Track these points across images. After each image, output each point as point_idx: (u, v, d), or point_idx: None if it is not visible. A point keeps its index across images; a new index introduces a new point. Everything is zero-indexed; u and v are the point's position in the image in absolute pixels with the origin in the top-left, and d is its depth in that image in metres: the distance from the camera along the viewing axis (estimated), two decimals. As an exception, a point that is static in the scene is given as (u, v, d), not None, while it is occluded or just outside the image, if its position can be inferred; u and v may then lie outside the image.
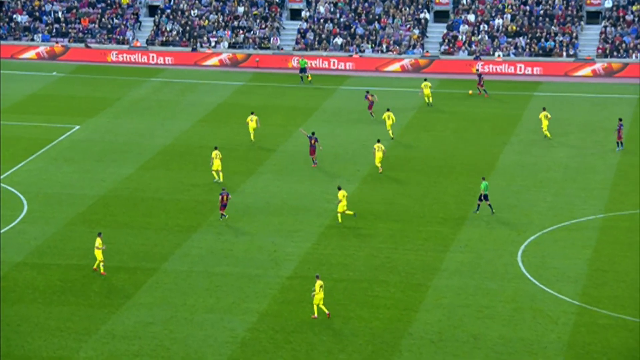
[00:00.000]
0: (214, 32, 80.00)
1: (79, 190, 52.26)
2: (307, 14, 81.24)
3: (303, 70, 72.45)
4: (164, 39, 79.51)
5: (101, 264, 43.39)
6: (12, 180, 53.29)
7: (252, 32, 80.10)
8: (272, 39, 79.41)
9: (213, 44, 79.25)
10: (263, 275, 43.53)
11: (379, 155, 54.60)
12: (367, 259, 45.13)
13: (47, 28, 79.96)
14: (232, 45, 79.30)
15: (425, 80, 67.09)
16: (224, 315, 40.15)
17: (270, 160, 57.13)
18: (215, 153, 53.35)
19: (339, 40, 78.89)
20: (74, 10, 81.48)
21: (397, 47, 78.18)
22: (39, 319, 39.56)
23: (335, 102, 68.32)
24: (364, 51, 78.33)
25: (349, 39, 79.03)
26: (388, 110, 60.82)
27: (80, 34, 79.63)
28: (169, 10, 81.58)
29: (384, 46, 78.22)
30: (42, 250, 45.44)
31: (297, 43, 79.34)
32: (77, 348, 37.66)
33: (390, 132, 60.16)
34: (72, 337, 38.37)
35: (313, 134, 56.41)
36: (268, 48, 79.09)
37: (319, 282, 39.93)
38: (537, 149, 59.07)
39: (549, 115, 60.29)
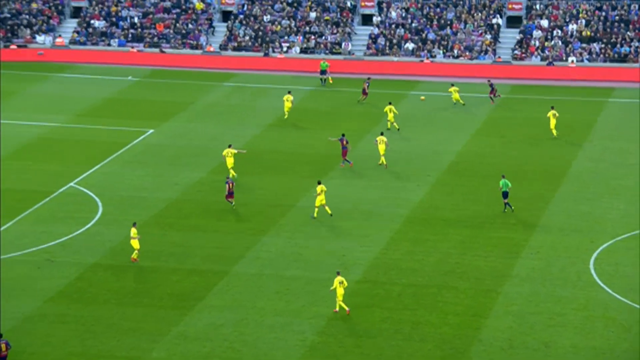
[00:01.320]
0: (286, 38, 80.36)
1: (152, 193, 52.85)
2: (379, 19, 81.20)
3: (324, 72, 72.96)
4: (237, 44, 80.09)
5: (136, 252, 44.16)
6: (88, 183, 54.09)
7: (323, 38, 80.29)
8: (343, 44, 79.52)
9: (285, 49, 79.61)
10: (333, 279, 43.53)
11: (382, 147, 55.34)
12: (437, 264, 44.91)
13: (123, 33, 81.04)
14: (303, 51, 79.58)
15: (452, 85, 66.75)
16: (293, 318, 40.26)
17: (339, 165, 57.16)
18: (226, 151, 53.97)
19: (410, 46, 78.70)
20: (150, 16, 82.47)
21: (469, 53, 77.73)
22: (113, 319, 40.07)
23: (406, 108, 68.11)
24: (435, 56, 78.02)
25: (420, 44, 78.79)
26: (390, 103, 61.62)
27: (155, 39, 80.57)
28: (242, 16, 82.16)
29: (456, 51, 77.82)
30: (116, 252, 46.04)
31: (368, 48, 79.33)
32: (150, 349, 38.07)
33: (395, 124, 61.25)
34: (145, 337, 38.80)
35: (343, 135, 56.42)
36: (339, 53, 79.20)
37: (338, 278, 40.17)
38: (610, 155, 58.26)
39: (557, 114, 60.23)
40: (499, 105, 68.01)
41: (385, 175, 55.17)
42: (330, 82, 72.60)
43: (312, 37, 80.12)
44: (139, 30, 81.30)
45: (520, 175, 55.16)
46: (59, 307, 40.89)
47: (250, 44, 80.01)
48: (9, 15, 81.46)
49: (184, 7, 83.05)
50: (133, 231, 44.72)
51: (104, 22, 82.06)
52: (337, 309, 40.55)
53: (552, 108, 61.44)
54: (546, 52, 76.80)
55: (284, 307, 41.20)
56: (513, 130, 63.36)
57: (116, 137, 61.50)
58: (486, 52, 77.60)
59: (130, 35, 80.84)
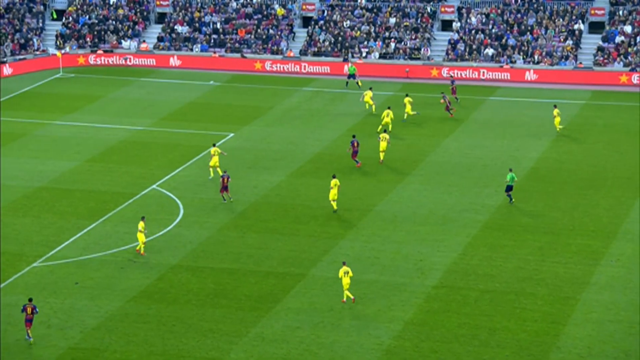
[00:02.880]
0: (365, 43, 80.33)
1: (232, 196, 53.17)
2: (458, 24, 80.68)
3: (352, 76, 73.44)
4: (317, 49, 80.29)
5: (142, 246, 45.08)
6: (170, 185, 54.70)
7: (402, 43, 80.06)
8: (422, 49, 79.19)
9: (364, 54, 79.57)
10: (409, 284, 43.37)
11: (383, 144, 56.33)
12: (515, 270, 44.41)
13: (206, 38, 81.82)
14: (382, 56, 79.45)
15: (407, 95, 66.00)
16: (369, 322, 40.16)
17: (418, 170, 56.93)
18: (214, 150, 54.38)
19: (489, 51, 78.03)
20: (232, 22, 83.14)
21: (549, 58, 76.79)
22: (193, 320, 40.44)
23: (484, 114, 67.55)
24: (515, 62, 77.23)
25: (500, 50, 78.09)
26: (389, 108, 62.91)
27: (237, 44, 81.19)
28: (322, 22, 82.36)
29: (536, 57, 76.95)
30: (197, 254, 46.46)
31: (447, 54, 78.88)
32: (228, 349, 38.33)
33: (389, 126, 61.81)
34: (224, 338, 39.08)
35: (354, 136, 56.85)
36: (418, 58, 78.89)
37: (344, 268, 40.93)
38: (693, 162, 57.04)
39: (560, 112, 61.83)
40: (579, 112, 66.95)
41: (463, 181, 54.77)
42: (359, 85, 72.66)
43: (392, 42, 79.93)
44: (221, 35, 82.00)
45: (600, 182, 54.29)
46: (140, 306, 41.41)
47: (329, 49, 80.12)
48: (96, 21, 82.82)
49: (265, 13, 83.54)
50: (141, 225, 45.31)
51: (187, 27, 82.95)
52: (345, 299, 40.87)
53: (555, 107, 62.26)
54: (629, 58, 75.47)
55: (360, 311, 41.12)
56: (593, 136, 62.40)
57: (197, 140, 62.08)
58: (567, 57, 76.58)
59: (212, 41, 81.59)
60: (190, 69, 78.74)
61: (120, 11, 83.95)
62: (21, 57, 78.28)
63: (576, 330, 39.12)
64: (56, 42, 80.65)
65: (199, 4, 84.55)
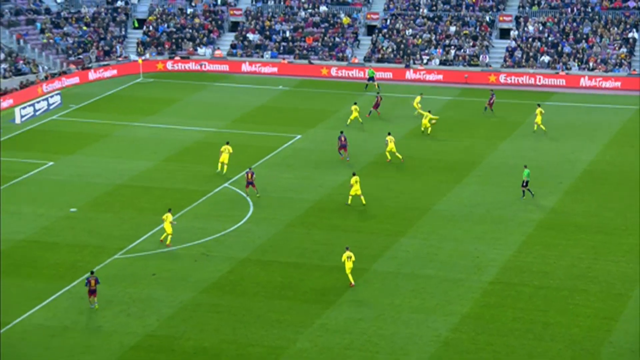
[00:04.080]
0: (426, 50, 79.98)
1: (298, 194, 53.38)
2: (516, 33, 79.94)
3: (371, 79, 73.46)
4: (380, 56, 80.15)
5: (169, 236, 45.58)
6: (241, 184, 55.02)
7: (462, 50, 79.56)
8: (481, 56, 78.62)
9: (425, 61, 79.25)
10: (466, 279, 43.10)
11: (391, 146, 56.61)
12: (568, 268, 43.88)
13: (275, 45, 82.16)
14: (442, 62, 79.04)
15: (355, 103, 64.55)
16: (428, 315, 40.00)
17: (475, 171, 56.53)
18: (224, 147, 54.83)
19: (545, 58, 77.19)
20: (300, 30, 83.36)
21: (604, 65, 75.69)
22: (261, 310, 40.64)
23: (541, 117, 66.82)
24: (570, 69, 76.28)
25: (555, 57, 77.20)
26: (429, 111, 62.71)
27: (305, 51, 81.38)
28: (385, 30, 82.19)
29: (591, 64, 75.91)
30: (265, 249, 46.68)
31: (504, 60, 78.21)
32: (294, 339, 38.44)
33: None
34: (290, 329, 39.21)
35: (342, 132, 58.34)
36: (477, 65, 78.33)
37: (346, 253, 42.15)
38: None
39: (543, 111, 62.11)
40: (632, 117, 65.87)
41: (518, 182, 54.25)
42: (377, 87, 73.02)
43: (451, 49, 79.48)
44: (290, 43, 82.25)
45: (652, 184, 53.38)
46: (212, 297, 41.73)
47: (392, 56, 79.92)
48: (174, 30, 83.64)
49: (331, 21, 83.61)
50: (169, 216, 45.77)
51: (258, 35, 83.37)
52: (353, 282, 41.74)
53: (539, 106, 62.79)
54: (681, 64, 74.15)
55: (419, 304, 40.97)
56: (646, 140, 61.39)
57: (267, 141, 62.37)
58: (621, 64, 75.40)
59: (281, 48, 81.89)
60: (261, 74, 79.07)
61: (197, 20, 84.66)
62: (105, 63, 79.35)
63: (628, 326, 38.52)
64: (137, 49, 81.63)
65: (270, 14, 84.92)
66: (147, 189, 54.15)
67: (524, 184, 51.36)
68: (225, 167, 55.30)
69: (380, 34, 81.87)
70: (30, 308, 40.41)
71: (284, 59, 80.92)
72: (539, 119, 62.85)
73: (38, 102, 68.57)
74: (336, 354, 37.44)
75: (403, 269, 44.24)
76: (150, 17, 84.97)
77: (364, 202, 50.75)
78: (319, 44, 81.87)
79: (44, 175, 56.10)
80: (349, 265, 42.21)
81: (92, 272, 40.82)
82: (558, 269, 43.68)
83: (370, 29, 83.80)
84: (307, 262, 45.00)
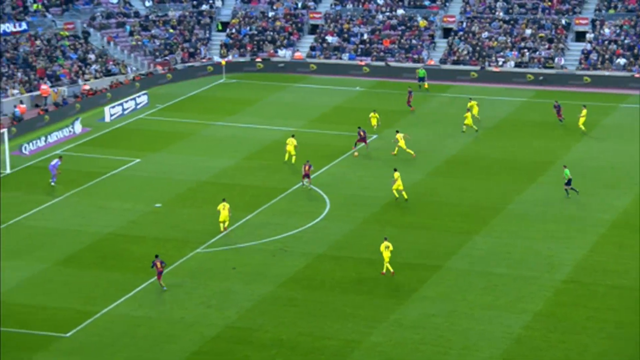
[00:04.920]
0: (502, 52, 79.06)
1: (373, 192, 53.24)
2: (592, 35, 78.52)
3: (422, 79, 73.21)
4: (456, 58, 79.50)
5: (225, 223, 46.86)
6: (319, 182, 55.10)
7: (537, 53, 78.45)
8: (556, 59, 77.40)
9: (500, 63, 78.33)
10: (538, 277, 42.48)
11: (402, 143, 57.06)
12: (641, 268, 42.93)
13: (354, 48, 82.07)
14: (517, 65, 78.03)
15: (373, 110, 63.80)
16: (500, 312, 39.53)
17: (550, 172, 55.67)
18: (289, 140, 56.40)
19: (621, 61, 75.64)
20: (377, 32, 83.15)
21: (679, 67, 73.93)
22: (336, 305, 40.64)
23: (615, 120, 65.54)
24: (645, 70, 74.68)
25: (631, 59, 75.60)
26: (468, 111, 62.32)
27: (382, 53, 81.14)
28: (461, 32, 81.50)
29: (666, 66, 74.23)
30: (340, 245, 46.67)
31: (580, 63, 76.89)
32: (368, 333, 38.35)
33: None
34: (364, 323, 39.13)
35: (359, 127, 58.93)
36: (552, 67, 77.16)
37: (384, 243, 42.44)
38: None
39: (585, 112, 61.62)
40: None
41: (592, 182, 53.32)
42: (426, 87, 72.93)
43: (527, 52, 78.43)
44: (368, 45, 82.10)
45: None
46: (289, 291, 41.87)
47: (468, 58, 79.20)
48: (256, 32, 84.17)
49: (408, 24, 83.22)
50: (225, 205, 46.94)
51: (337, 37, 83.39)
52: (384, 271, 42.16)
53: (584, 107, 62.30)
54: None
55: (492, 301, 40.51)
56: None
57: (343, 141, 62.34)
58: (697, 66, 73.54)
59: (359, 50, 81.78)
60: (339, 76, 79.03)
61: (278, 23, 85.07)
62: (190, 64, 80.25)
63: (701, 327, 37.52)
64: (220, 51, 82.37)
65: (349, 17, 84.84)
66: (228, 186, 54.60)
67: (567, 183, 50.74)
68: (293, 157, 56.41)
69: (456, 37, 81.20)
70: (116, 299, 41.07)
71: (361, 60, 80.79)
72: (582, 120, 61.56)
73: (126, 101, 69.68)
74: (410, 348, 37.24)
75: (476, 267, 43.79)
76: (233, 20, 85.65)
77: (405, 197, 50.99)
78: (396, 46, 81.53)
79: (131, 171, 56.96)
80: (387, 254, 42.64)
81: (157, 256, 41.84)
82: (632, 269, 42.75)
83: (447, 32, 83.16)
84: (381, 258, 44.82)
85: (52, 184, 53.91)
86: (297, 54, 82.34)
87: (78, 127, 64.86)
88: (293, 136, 57.93)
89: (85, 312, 39.84)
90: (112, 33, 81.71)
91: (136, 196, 53.04)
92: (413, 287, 41.97)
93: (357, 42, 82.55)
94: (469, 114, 62.83)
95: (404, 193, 51.19)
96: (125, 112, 69.15)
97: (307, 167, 52.89)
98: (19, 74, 71.40)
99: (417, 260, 44.65)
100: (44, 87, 70.48)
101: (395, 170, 51.74)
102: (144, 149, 61.07)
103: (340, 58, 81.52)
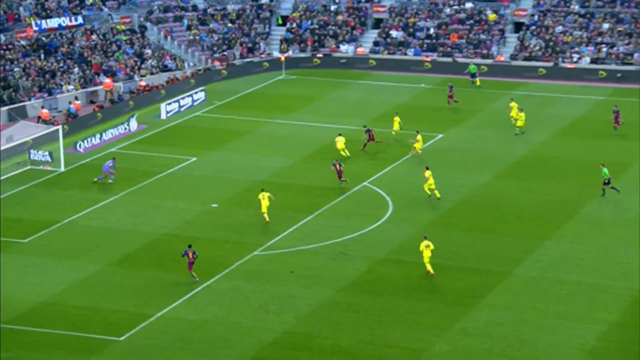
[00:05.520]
0: (577, 48, 78.18)
1: (439, 194, 53.01)
2: (673, 29, 77.31)
3: (473, 75, 72.94)
4: (527, 53, 78.83)
5: (265, 213, 48.60)
6: (380, 183, 55.11)
7: (615, 48, 77.41)
8: (635, 55, 76.28)
9: (575, 59, 77.47)
10: (613, 286, 41.96)
11: (418, 145, 57.80)
12: None
13: (419, 43, 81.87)
14: (593, 61, 77.10)
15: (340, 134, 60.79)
16: (573, 322, 39.13)
17: (626, 174, 54.97)
18: (338, 138, 57.79)
19: None
20: (444, 27, 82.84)
21: None
22: (399, 311, 40.61)
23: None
24: None
25: None
26: (521, 110, 61.53)
27: (449, 49, 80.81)
28: (533, 27, 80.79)
29: None
30: (403, 248, 46.61)
31: (660, 59, 75.75)
32: (433, 342, 38.26)
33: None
34: (428, 331, 39.04)
35: (365, 126, 59.40)
36: (631, 64, 76.05)
37: (424, 242, 42.83)
38: None
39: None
40: None
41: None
42: (478, 84, 72.73)
43: (604, 47, 77.45)
44: (434, 40, 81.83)
45: None
46: (350, 296, 41.95)
47: (540, 54, 78.49)
48: (317, 27, 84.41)
49: (477, 18, 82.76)
50: (266, 195, 48.63)
51: (401, 32, 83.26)
52: (432, 270, 42.84)
53: (512, 100, 63.89)
54: None
55: (563, 310, 40.13)
56: None
57: (407, 140, 62.21)
58: None
59: (425, 45, 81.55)
60: (404, 72, 78.89)
61: (340, 17, 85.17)
62: (248, 60, 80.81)
63: None
64: (280, 46, 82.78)
65: (414, 10, 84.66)
66: (286, 186, 54.87)
67: (606, 182, 50.89)
68: (344, 153, 57.36)
69: (527, 31, 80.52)
70: (172, 302, 41.56)
71: (427, 56, 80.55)
72: (514, 112, 62.40)
73: (183, 98, 70.43)
74: (476, 358, 37.07)
75: (547, 274, 43.42)
76: (294, 14, 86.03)
77: (438, 195, 51.48)
78: (464, 41, 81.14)
79: (187, 170, 57.56)
80: (427, 254, 43.00)
81: (189, 246, 43.08)
82: None
83: (518, 26, 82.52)
84: (446, 263, 44.70)
85: (110, 181, 54.77)
86: (359, 50, 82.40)
87: (133, 125, 65.77)
88: (340, 135, 58.69)
89: (140, 315, 40.38)
90: (169, 27, 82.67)
91: (192, 196, 53.60)
92: (480, 294, 41.76)
93: (422, 37, 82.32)
94: (522, 115, 61.87)
95: (436, 192, 51.67)
96: (182, 109, 69.92)
97: (338, 166, 53.73)
98: (75, 69, 72.57)
99: (484, 266, 44.42)
100: (107, 80, 71.61)
101: (427, 168, 52.21)
102: (201, 147, 61.68)
103: (405, 54, 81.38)
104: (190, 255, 42.82)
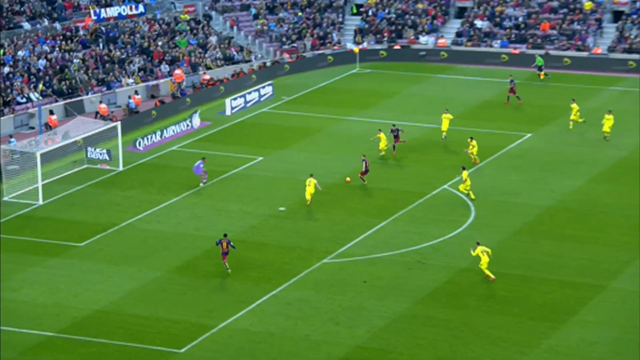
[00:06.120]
0: (682, 39, 76.90)
1: (527, 199, 52.59)
2: None
3: (539, 68, 73.02)
4: (627, 45, 77.66)
5: (309, 201, 51.38)
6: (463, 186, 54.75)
7: None
8: None
9: (680, 51, 76.22)
10: None
11: (474, 150, 57.12)
12: None
13: (506, 33, 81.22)
14: (700, 53, 75.74)
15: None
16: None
17: None
18: (380, 135, 58.12)
19: None
20: (534, 16, 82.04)
21: None
22: (482, 327, 40.35)
23: None
24: None
25: None
26: (610, 112, 60.32)
27: (539, 40, 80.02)
28: (635, 16, 79.57)
29: None
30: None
31: None
32: (517, 360, 38.00)
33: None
34: (514, 348, 38.72)
35: (394, 125, 59.30)
36: None
37: (480, 248, 43.54)
38: None
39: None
40: None
41: None
42: (542, 77, 72.91)
43: None
44: (523, 30, 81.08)
45: None
46: (428, 309, 41.82)
47: (641, 45, 77.35)
48: (394, 16, 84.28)
49: (571, 6, 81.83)
50: (312, 181, 51.38)
51: (487, 22, 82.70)
52: (492, 275, 43.42)
53: (573, 101, 62.78)
54: None
55: (663, 329, 39.49)
56: None
57: (492, 140, 61.78)
58: None
59: (513, 36, 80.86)
60: (488, 66, 78.33)
61: (420, 6, 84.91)
62: (320, 52, 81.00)
63: None
64: (354, 37, 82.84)
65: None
66: (359, 188, 54.86)
67: None
68: (383, 152, 58.16)
69: (628, 21, 79.34)
70: (236, 312, 41.87)
71: (515, 48, 79.87)
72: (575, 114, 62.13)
73: (249, 93, 70.90)
74: (565, 379, 36.71)
75: (647, 288, 42.79)
76: (369, 2, 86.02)
77: (472, 197, 51.99)
78: (556, 32, 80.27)
79: (253, 170, 57.94)
80: (485, 259, 43.52)
81: (225, 235, 45.10)
82: None
83: (617, 15, 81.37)
84: (534, 275, 44.28)
85: (202, 184, 55.38)
86: (440, 41, 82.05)
87: (196, 121, 66.44)
88: (380, 130, 58.96)
89: (201, 326, 40.77)
90: (236, 17, 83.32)
91: (258, 198, 53.94)
92: (571, 309, 41.30)
93: (510, 27, 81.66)
94: (610, 118, 60.74)
95: (471, 193, 52.05)
96: (248, 104, 70.40)
97: (366, 163, 54.63)
98: (136, 59, 73.49)
99: (578, 279, 43.91)
100: (177, 71, 72.56)
101: (464, 168, 52.54)
102: (268, 146, 62.02)
103: (491, 45, 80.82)
104: (224, 244, 44.52)
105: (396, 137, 59.18)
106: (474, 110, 68.33)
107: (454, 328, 40.28)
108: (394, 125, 59.83)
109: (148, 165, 59.65)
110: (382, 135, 58.96)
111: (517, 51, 79.33)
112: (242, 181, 56.61)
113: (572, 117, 62.79)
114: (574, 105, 63.02)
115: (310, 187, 51.69)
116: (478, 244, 44.22)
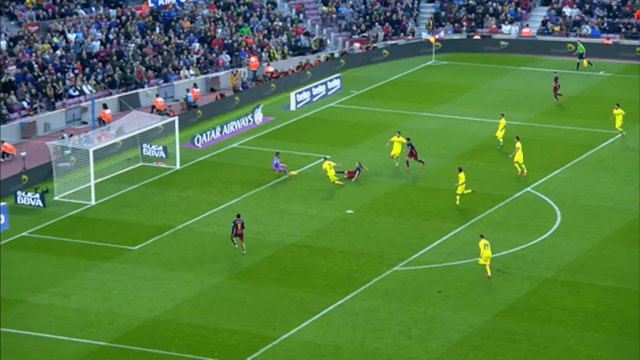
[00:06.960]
0: None
1: (619, 204, 52.07)
2: None
3: (581, 56, 73.42)
4: None
5: (458, 197, 51.87)
6: (546, 189, 54.40)
7: None
8: None
9: None
10: None
11: (519, 157, 55.98)
12: None
13: (598, 22, 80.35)
14: None
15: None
16: None
17: None
18: (395, 138, 57.46)
19: None
20: (630, 2, 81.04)
21: None
22: (568, 342, 40.04)
23: None
24: None
25: None
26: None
27: (634, 29, 79.06)
28: None
29: None
30: (575, 268, 45.92)
31: None
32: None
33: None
34: (601, 367, 38.41)
35: (408, 139, 57.61)
36: None
37: (482, 241, 44.30)
38: None
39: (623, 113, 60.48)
40: None
41: None
42: (585, 65, 73.15)
43: None
44: (616, 19, 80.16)
45: None
46: (508, 323, 41.60)
47: None
48: (474, 3, 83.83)
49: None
50: (332, 164, 53.76)
51: (577, 9, 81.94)
52: (489, 272, 44.49)
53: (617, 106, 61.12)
54: None
55: None
56: None
57: (580, 139, 61.28)
58: None
59: (605, 24, 79.99)
60: (574, 57, 77.62)
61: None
62: (393, 42, 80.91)
63: None
64: (429, 26, 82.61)
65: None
66: (433, 190, 54.77)
67: None
68: (397, 160, 57.65)
69: None
70: (299, 322, 42.04)
71: (607, 38, 79.06)
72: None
73: (316, 86, 71.11)
74: (660, 402, 36.30)
75: None
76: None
77: (457, 202, 52.18)
78: (651, 21, 79.32)
79: (320, 170, 58.07)
80: (487, 253, 44.37)
81: (238, 216, 47.80)
82: None
83: None
84: (628, 287, 43.83)
85: (288, 176, 56.12)
86: (525, 30, 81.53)
87: (259, 117, 66.82)
88: (399, 133, 58.00)
89: (263, 337, 41.01)
90: (302, 2, 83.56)
91: (324, 200, 54.08)
92: (666, 325, 40.82)
93: (602, 15, 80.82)
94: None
95: (458, 199, 52.41)
96: (314, 99, 70.62)
97: (414, 154, 56.35)
98: (197, 46, 74.03)
99: (672, 292, 43.38)
100: (252, 59, 73.25)
101: (460, 170, 52.32)
102: (335, 143, 62.17)
103: (581, 35, 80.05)
104: (239, 226, 47.23)
105: (412, 151, 57.06)
106: (560, 106, 67.77)
107: (537, 344, 40.03)
108: (408, 139, 57.90)
109: (207, 163, 60.13)
110: (398, 139, 57.26)
111: (610, 41, 78.49)
112: (307, 182, 56.80)
113: (616, 125, 61.02)
114: (619, 111, 61.29)
115: (331, 170, 53.74)
116: (482, 236, 44.74)
